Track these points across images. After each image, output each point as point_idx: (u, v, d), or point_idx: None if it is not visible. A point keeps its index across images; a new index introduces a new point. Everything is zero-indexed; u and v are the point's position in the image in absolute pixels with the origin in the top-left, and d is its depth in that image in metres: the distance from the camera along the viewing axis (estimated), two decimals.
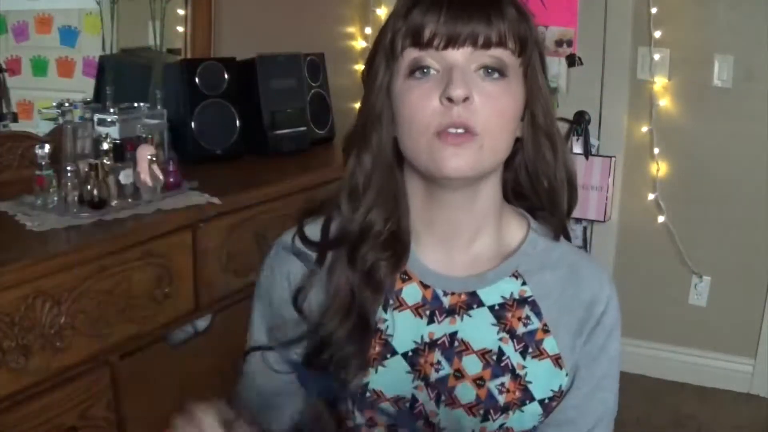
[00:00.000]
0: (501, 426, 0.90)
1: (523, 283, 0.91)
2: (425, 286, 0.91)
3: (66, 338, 1.35)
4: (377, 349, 0.90)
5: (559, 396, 0.91)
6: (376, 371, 0.90)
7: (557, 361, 0.90)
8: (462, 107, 0.81)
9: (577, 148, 2.87)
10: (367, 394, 0.89)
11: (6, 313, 1.25)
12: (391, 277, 0.90)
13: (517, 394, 0.89)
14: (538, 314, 0.90)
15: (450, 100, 0.80)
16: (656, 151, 2.80)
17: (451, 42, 0.81)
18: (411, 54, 0.83)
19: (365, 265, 0.89)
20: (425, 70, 0.83)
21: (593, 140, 2.87)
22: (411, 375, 0.90)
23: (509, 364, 0.89)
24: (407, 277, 0.92)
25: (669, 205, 2.82)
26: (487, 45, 0.82)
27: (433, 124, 0.82)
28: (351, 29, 2.99)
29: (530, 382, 0.90)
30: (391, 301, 0.91)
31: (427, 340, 0.90)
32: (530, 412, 0.90)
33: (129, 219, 1.53)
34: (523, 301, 0.91)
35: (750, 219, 2.74)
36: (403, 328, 0.90)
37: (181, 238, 1.61)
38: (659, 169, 2.81)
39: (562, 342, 0.90)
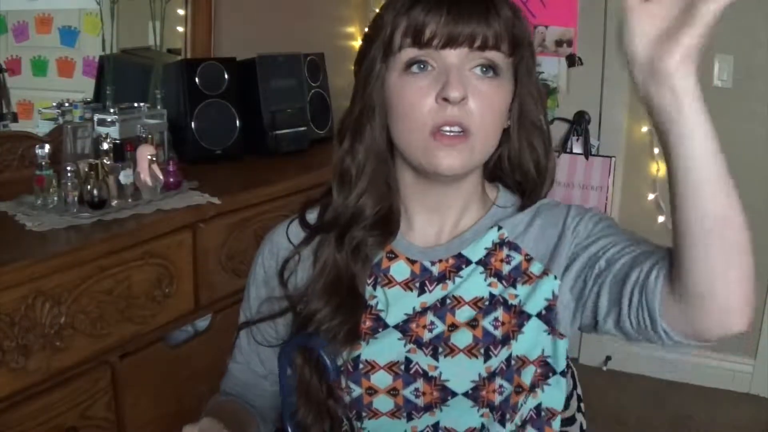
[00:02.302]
0: (507, 358, 0.90)
1: (499, 228, 0.95)
2: (412, 262, 0.95)
3: (66, 338, 1.35)
4: (368, 323, 0.93)
5: (553, 301, 0.91)
6: (368, 344, 0.92)
7: (545, 272, 0.91)
8: (457, 107, 0.84)
9: (577, 148, 2.86)
10: (360, 366, 0.92)
11: (6, 313, 1.25)
12: (376, 251, 0.94)
13: (513, 320, 0.91)
14: (517, 248, 0.93)
15: (446, 100, 0.84)
16: (656, 151, 2.79)
17: (450, 42, 0.85)
18: (409, 53, 0.86)
19: (353, 242, 0.93)
20: (422, 66, 0.86)
21: (593, 140, 2.87)
22: (403, 341, 0.92)
23: (500, 299, 0.91)
24: (393, 256, 0.95)
25: (669, 205, 2.81)
26: (483, 47, 0.85)
27: (429, 122, 0.85)
28: (351, 29, 2.99)
29: (524, 304, 0.91)
30: (379, 279, 0.94)
31: (419, 309, 0.93)
32: (531, 330, 0.91)
33: (129, 219, 1.54)
34: (502, 243, 0.94)
35: (750, 219, 2.71)
36: (394, 303, 0.93)
37: (181, 238, 1.61)
38: (659, 169, 2.81)
39: (546, 259, 0.92)
